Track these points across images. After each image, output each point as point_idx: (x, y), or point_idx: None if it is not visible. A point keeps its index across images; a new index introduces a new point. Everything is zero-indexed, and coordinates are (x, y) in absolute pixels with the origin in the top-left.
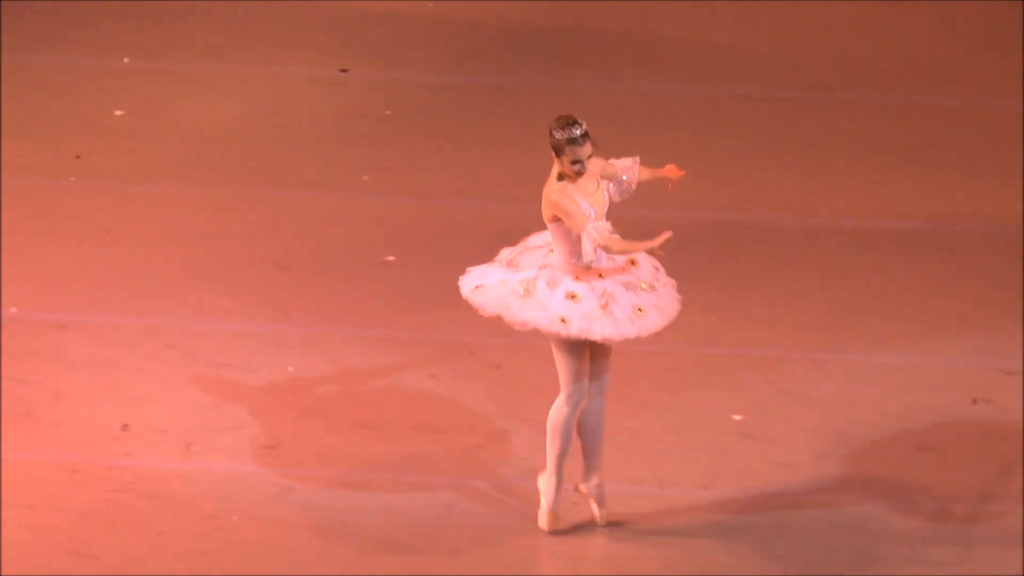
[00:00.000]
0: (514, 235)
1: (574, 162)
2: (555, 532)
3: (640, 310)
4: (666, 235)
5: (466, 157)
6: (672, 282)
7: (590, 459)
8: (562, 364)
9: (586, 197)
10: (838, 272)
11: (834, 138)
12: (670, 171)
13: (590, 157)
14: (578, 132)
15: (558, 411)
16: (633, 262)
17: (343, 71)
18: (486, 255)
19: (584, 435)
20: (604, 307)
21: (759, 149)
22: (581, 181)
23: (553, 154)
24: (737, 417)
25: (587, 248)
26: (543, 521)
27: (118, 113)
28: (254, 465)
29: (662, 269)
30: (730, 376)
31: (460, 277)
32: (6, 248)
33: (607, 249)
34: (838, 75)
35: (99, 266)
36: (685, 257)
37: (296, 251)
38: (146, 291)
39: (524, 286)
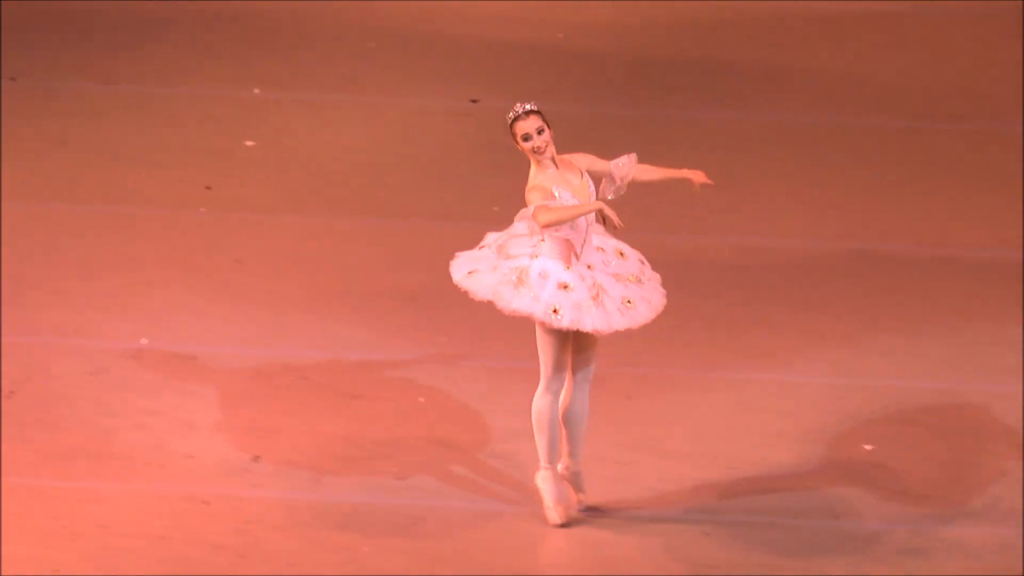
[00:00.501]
0: None
1: (525, 138)
2: (567, 524)
3: (629, 302)
4: (615, 219)
5: None
6: (657, 276)
7: (572, 445)
8: (545, 352)
9: (568, 189)
10: (969, 303)
11: (965, 168)
12: (696, 175)
13: (541, 132)
14: (521, 109)
15: (539, 400)
16: (621, 253)
17: (473, 101)
18: None
19: (568, 424)
20: (595, 298)
21: (888, 179)
22: (564, 174)
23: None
24: (868, 447)
25: (530, 223)
26: (552, 517)
27: (249, 144)
28: (385, 496)
29: (647, 264)
30: (860, 406)
31: (450, 262)
32: (136, 279)
33: (535, 217)
34: (967, 106)
35: (229, 297)
36: (815, 286)
37: (426, 281)
38: (276, 321)
39: (517, 274)
